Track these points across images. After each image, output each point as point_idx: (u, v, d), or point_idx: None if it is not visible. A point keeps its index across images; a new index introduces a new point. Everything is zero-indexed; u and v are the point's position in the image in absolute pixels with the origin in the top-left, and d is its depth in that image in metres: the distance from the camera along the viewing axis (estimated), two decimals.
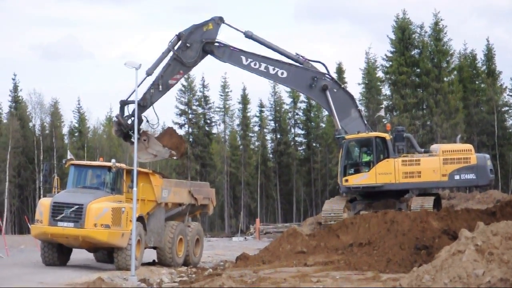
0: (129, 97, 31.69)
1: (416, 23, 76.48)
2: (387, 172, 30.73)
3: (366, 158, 31.45)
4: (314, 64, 33.09)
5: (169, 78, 32.28)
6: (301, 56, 32.94)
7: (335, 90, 32.55)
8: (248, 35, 32.97)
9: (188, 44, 32.18)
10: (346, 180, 31.10)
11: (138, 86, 30.01)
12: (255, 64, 32.56)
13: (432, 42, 74.90)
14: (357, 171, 31.26)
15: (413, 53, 75.75)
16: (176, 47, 32.22)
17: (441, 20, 75.21)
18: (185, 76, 31.71)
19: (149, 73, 31.98)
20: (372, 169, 30.88)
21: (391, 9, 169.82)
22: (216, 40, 32.57)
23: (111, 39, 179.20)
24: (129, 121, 31.50)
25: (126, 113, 31.86)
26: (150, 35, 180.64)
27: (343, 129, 31.92)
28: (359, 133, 31.49)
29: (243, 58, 32.63)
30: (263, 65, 32.56)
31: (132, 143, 31.17)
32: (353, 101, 33.16)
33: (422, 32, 76.00)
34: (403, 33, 74.78)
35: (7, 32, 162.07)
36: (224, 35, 32.36)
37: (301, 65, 32.76)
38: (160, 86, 31.99)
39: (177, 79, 32.87)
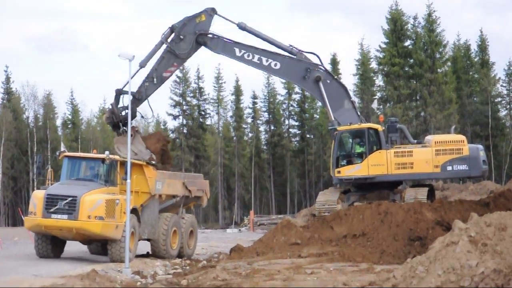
0: (124, 86, 31.49)
1: (411, 14, 76.55)
2: (379, 164, 30.69)
3: (358, 150, 31.38)
4: (307, 55, 33.02)
5: (163, 71, 32.18)
6: (295, 47, 32.85)
7: (328, 81, 32.48)
8: (242, 27, 32.89)
9: (181, 36, 32.09)
10: (339, 172, 31.06)
11: (131, 78, 29.98)
12: (248, 56, 32.51)
13: (425, 33, 74.81)
14: (349, 163, 31.21)
15: (406, 44, 75.71)
16: (169, 40, 32.14)
17: (434, 11, 75.15)
18: (180, 68, 31.47)
19: (142, 65, 31.87)
20: (365, 161, 30.82)
21: (385, 0, 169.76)
22: (209, 32, 32.49)
23: (106, 31, 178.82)
24: (123, 113, 31.38)
25: (121, 103, 31.69)
26: (144, 27, 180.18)
27: (336, 121, 31.88)
28: (351, 125, 31.47)
29: (236, 49, 32.56)
30: (256, 56, 32.50)
31: (120, 134, 31.10)
32: (347, 92, 33.10)
33: (416, 23, 75.96)
34: (395, 24, 74.71)
35: (0, 25, 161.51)
36: (217, 27, 31.88)
37: (295, 57, 32.71)
38: (155, 79, 31.92)
39: (171, 72, 32.80)
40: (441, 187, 52.47)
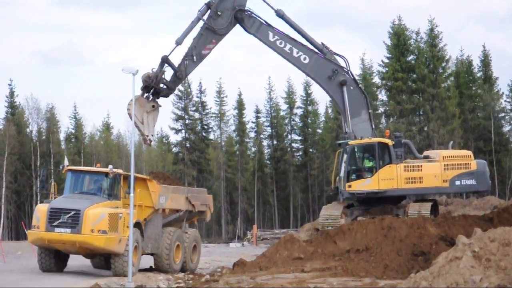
0: (170, 53, 31.34)
1: (413, 29, 76.56)
2: (389, 178, 30.67)
3: (368, 164, 31.36)
4: (337, 57, 32.90)
5: (202, 48, 31.96)
6: (326, 46, 32.70)
7: (351, 88, 32.39)
8: (280, 14, 32.61)
9: (219, 12, 31.79)
10: (349, 186, 30.96)
11: (168, 55, 31.08)
12: (280, 43, 32.27)
13: (427, 48, 74.81)
14: (359, 177, 31.12)
15: (409, 58, 75.73)
16: (206, 16, 31.86)
17: (437, 26, 75.22)
18: (217, 46, 31.09)
19: (178, 43, 31.48)
20: (375, 175, 30.78)
21: (388, 15, 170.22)
22: (248, 8, 32.25)
23: (111, 45, 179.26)
24: (161, 85, 31.27)
25: (163, 70, 31.45)
26: (149, 41, 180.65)
27: (353, 133, 31.82)
28: (362, 139, 31.45)
29: (271, 34, 32.31)
30: (288, 45, 32.26)
31: (147, 99, 31.32)
32: (367, 102, 32.95)
33: (419, 38, 76.02)
34: (398, 38, 74.79)
35: (7, 39, 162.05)
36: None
37: (325, 56, 32.68)
38: (194, 57, 31.73)
39: (210, 49, 32.30)
40: (445, 202, 52.32)
